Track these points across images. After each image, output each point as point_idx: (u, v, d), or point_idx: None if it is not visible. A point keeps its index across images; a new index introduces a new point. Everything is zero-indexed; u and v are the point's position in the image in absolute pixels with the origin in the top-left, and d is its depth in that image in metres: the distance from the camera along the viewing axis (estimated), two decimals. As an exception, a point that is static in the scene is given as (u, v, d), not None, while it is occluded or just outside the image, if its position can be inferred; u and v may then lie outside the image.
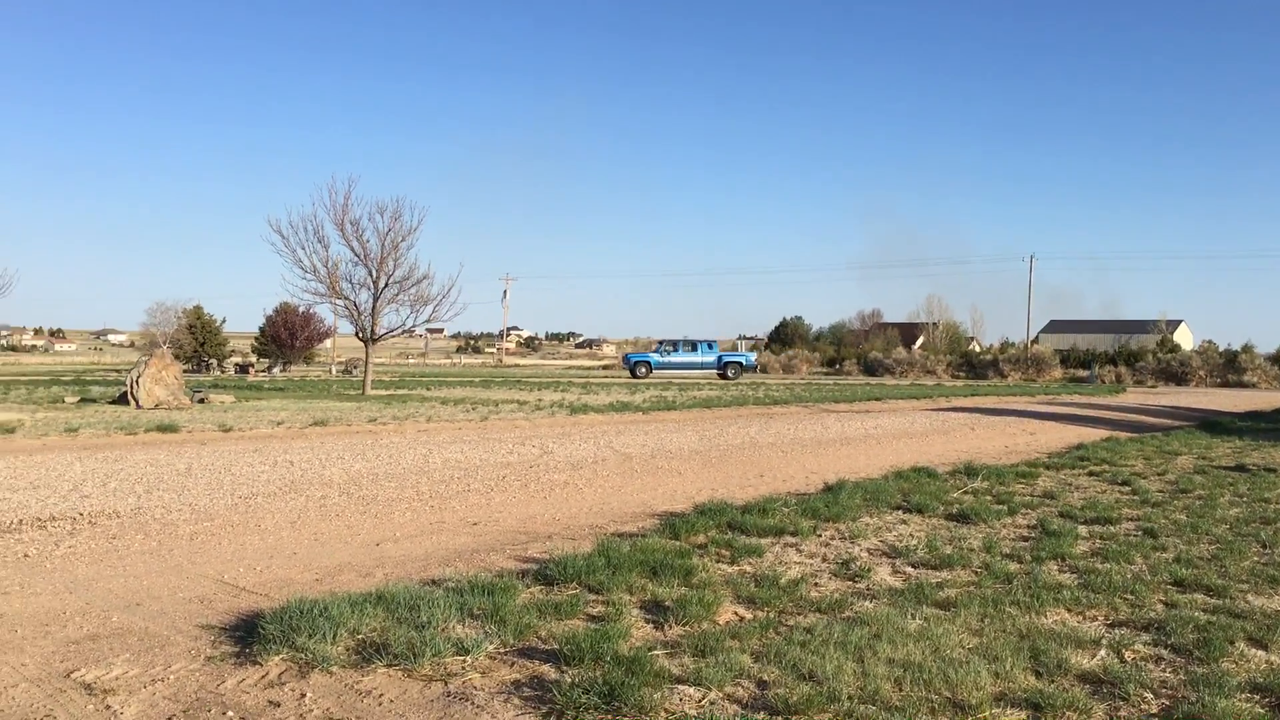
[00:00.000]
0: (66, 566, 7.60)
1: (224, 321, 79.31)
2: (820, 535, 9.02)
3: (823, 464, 15.26)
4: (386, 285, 33.32)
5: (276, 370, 62.93)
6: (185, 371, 50.11)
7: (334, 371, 61.31)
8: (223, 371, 62.79)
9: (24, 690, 4.99)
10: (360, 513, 10.25)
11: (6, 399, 27.14)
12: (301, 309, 63.23)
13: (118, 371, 43.42)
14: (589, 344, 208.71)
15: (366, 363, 35.49)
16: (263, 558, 8.09)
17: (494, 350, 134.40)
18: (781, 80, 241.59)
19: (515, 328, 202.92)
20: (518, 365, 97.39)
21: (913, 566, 7.85)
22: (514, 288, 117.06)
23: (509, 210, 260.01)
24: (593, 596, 6.74)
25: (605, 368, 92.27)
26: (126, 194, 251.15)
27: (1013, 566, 7.78)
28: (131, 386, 25.30)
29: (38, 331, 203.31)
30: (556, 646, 5.53)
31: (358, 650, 5.55)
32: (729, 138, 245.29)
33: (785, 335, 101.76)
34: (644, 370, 53.80)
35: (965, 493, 11.66)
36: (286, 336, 66.52)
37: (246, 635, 5.84)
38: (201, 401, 27.07)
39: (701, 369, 53.29)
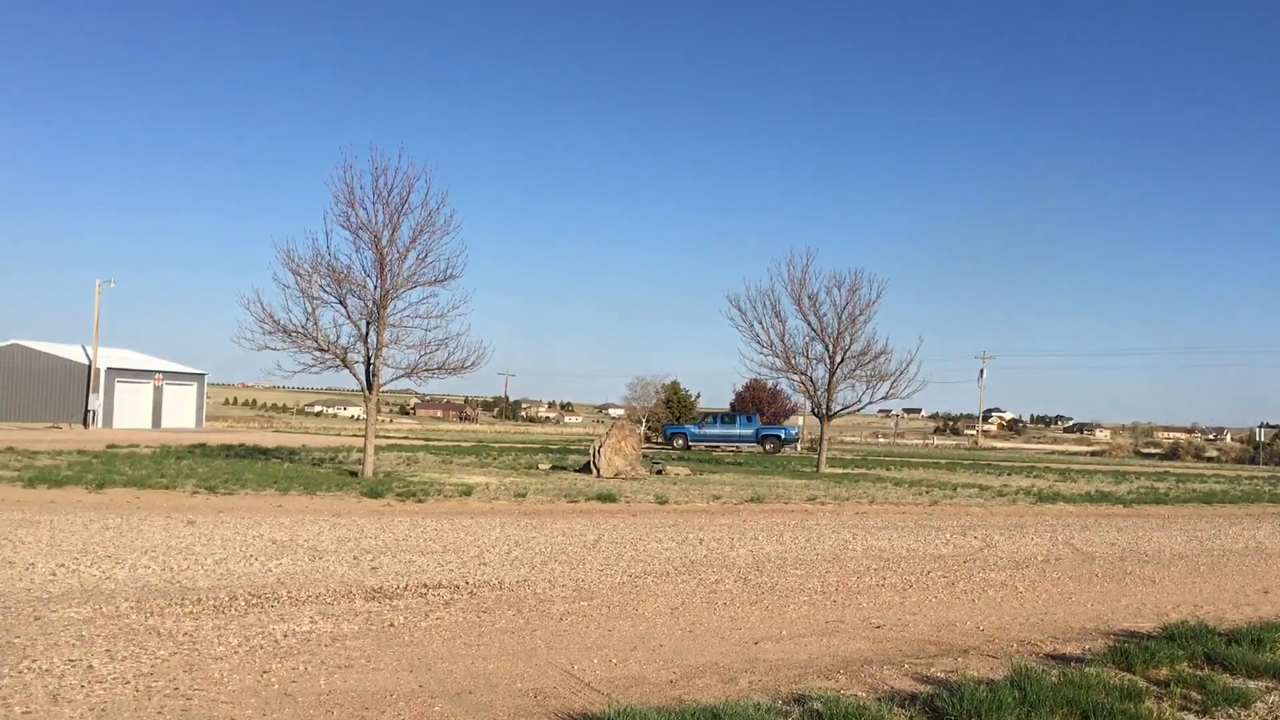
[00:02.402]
0: (423, 640, 7.22)
1: (698, 396, 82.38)
2: (1343, 686, 6.58)
3: (1357, 582, 11.91)
4: (843, 360, 32.42)
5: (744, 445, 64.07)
6: (659, 444, 52.55)
7: (798, 448, 61.32)
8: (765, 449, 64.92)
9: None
10: (750, 603, 9.17)
11: (490, 464, 29.41)
12: (769, 385, 64.06)
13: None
14: (1079, 428, 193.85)
15: (822, 439, 34.70)
16: (625, 648, 7.24)
17: (972, 432, 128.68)
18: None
19: (997, 409, 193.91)
20: (994, 448, 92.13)
21: None
22: (995, 367, 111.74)
23: (987, 285, 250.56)
24: (991, 745, 5.14)
25: (1094, 454, 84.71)
26: (622, 276, 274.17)
27: None
28: (593, 456, 26.34)
29: (551, 405, 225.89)
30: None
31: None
32: (1234, 202, 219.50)
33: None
34: (680, 442, 51.17)
35: None
36: (754, 412, 67.75)
37: (553, 746, 4.95)
38: (659, 473, 27.61)
39: (740, 441, 51.29)
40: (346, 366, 22.43)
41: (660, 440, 53.91)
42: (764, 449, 50.53)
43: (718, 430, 51.66)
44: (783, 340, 32.65)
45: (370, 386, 22.52)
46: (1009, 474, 34.81)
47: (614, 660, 6.90)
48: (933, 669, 6.86)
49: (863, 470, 34.15)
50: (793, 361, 32.82)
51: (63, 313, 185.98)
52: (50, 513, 13.99)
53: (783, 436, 52.46)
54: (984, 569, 11.76)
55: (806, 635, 7.92)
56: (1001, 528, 16.48)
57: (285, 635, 7.17)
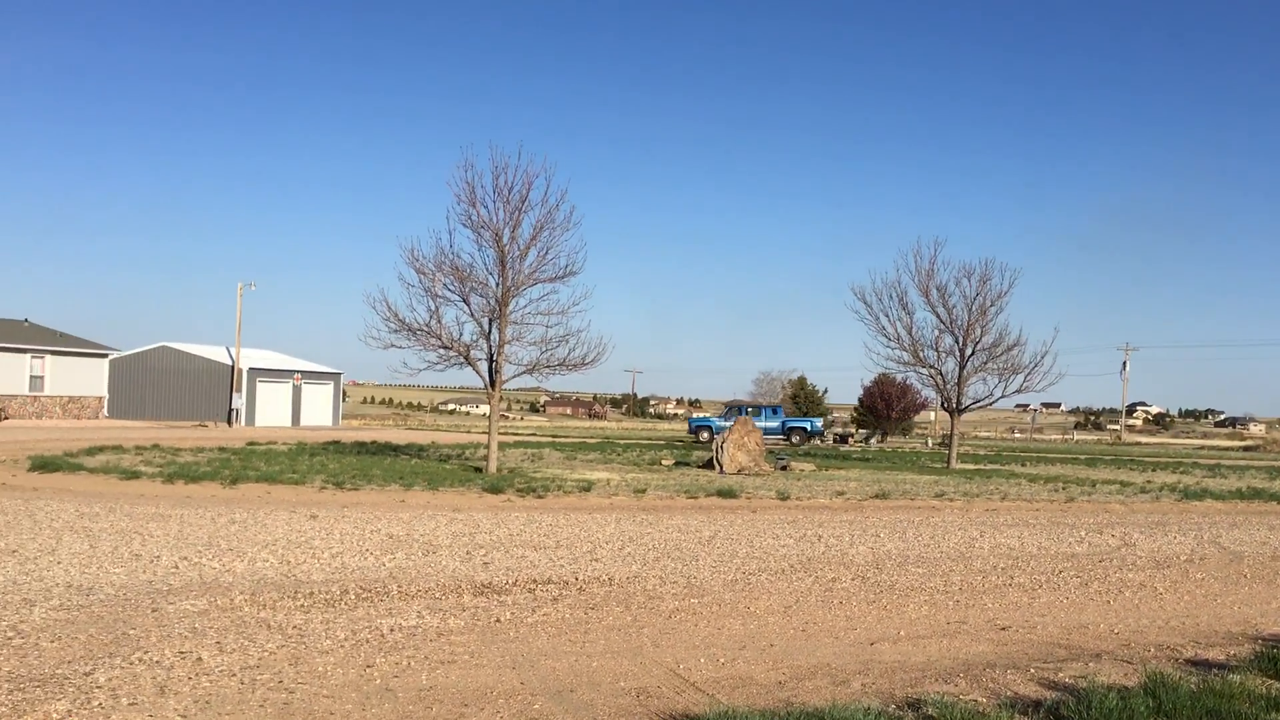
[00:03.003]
0: (528, 637, 7.13)
1: (826, 392, 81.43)
2: None
3: None
4: (973, 353, 31.39)
5: (873, 441, 62.90)
6: (784, 439, 52.09)
7: (929, 444, 59.92)
8: (823, 441, 64.15)
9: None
10: (868, 602, 8.84)
11: (614, 460, 29.45)
12: (899, 379, 62.73)
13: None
14: (1231, 422, 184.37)
15: (952, 434, 33.70)
16: (734, 647, 7.02)
17: (1115, 427, 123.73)
18: None
19: (1142, 403, 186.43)
20: (1138, 443, 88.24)
21: None
22: (1141, 358, 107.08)
23: (1130, 271, 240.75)
24: (1120, 760, 4.76)
25: (1247, 449, 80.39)
26: (750, 271, 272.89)
27: None
28: (716, 451, 26.15)
29: (679, 401, 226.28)
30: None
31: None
32: None
33: None
34: (706, 435, 49.02)
35: None
36: (883, 407, 66.33)
37: (650, 749, 4.77)
38: (784, 469, 27.23)
39: (765, 434, 47.44)
40: (469, 364, 22.69)
41: (690, 434, 53.35)
42: (790, 442, 49.70)
43: None
44: (910, 333, 31.77)
45: (493, 383, 22.72)
46: (1153, 470, 33.26)
47: (722, 660, 6.69)
48: (1060, 674, 6.46)
49: (996, 466, 33.07)
50: (921, 355, 31.92)
51: (207, 315, 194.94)
52: (183, 507, 14.46)
53: (809, 429, 51.85)
54: (1121, 569, 11.14)
55: (926, 636, 7.57)
56: (1142, 525, 15.65)
57: (391, 630, 7.17)
